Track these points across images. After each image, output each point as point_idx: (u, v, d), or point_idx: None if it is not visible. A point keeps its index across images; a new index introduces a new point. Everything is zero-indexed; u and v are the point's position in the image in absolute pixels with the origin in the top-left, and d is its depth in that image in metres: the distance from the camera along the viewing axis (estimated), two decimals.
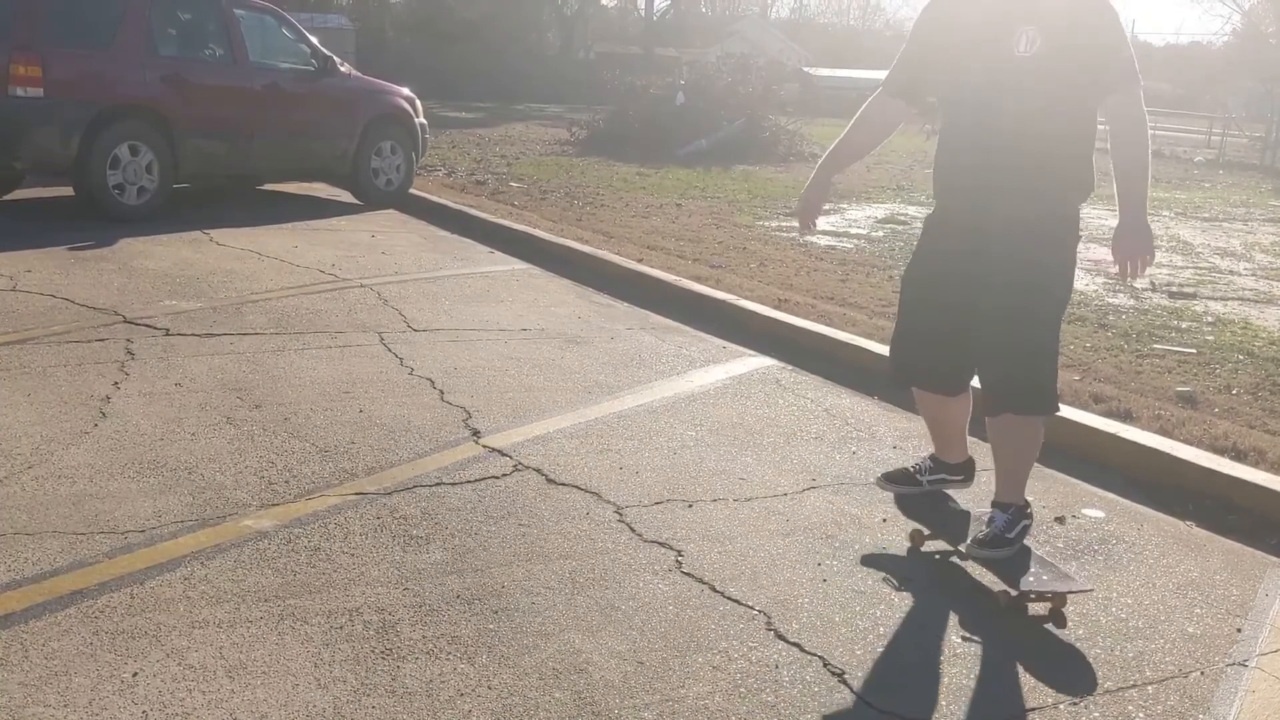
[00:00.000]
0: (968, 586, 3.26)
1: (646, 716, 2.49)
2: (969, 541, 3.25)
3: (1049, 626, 3.02)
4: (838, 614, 3.04)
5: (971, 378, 3.39)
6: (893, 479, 3.65)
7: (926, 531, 3.46)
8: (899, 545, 3.49)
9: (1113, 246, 3.04)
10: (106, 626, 2.71)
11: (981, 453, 3.59)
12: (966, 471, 3.61)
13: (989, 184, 3.12)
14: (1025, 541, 3.26)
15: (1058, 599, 3.05)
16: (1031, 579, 3.08)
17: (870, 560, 3.37)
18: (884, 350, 5.55)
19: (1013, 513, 3.24)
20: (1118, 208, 3.05)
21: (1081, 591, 3.13)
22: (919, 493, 3.60)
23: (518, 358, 5.33)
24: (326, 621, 2.80)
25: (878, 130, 3.48)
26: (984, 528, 3.25)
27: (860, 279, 7.46)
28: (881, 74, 3.53)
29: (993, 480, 3.39)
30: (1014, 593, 3.06)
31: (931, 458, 3.62)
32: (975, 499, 3.67)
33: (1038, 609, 3.08)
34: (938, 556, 3.43)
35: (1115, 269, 3.08)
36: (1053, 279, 3.13)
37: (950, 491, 3.63)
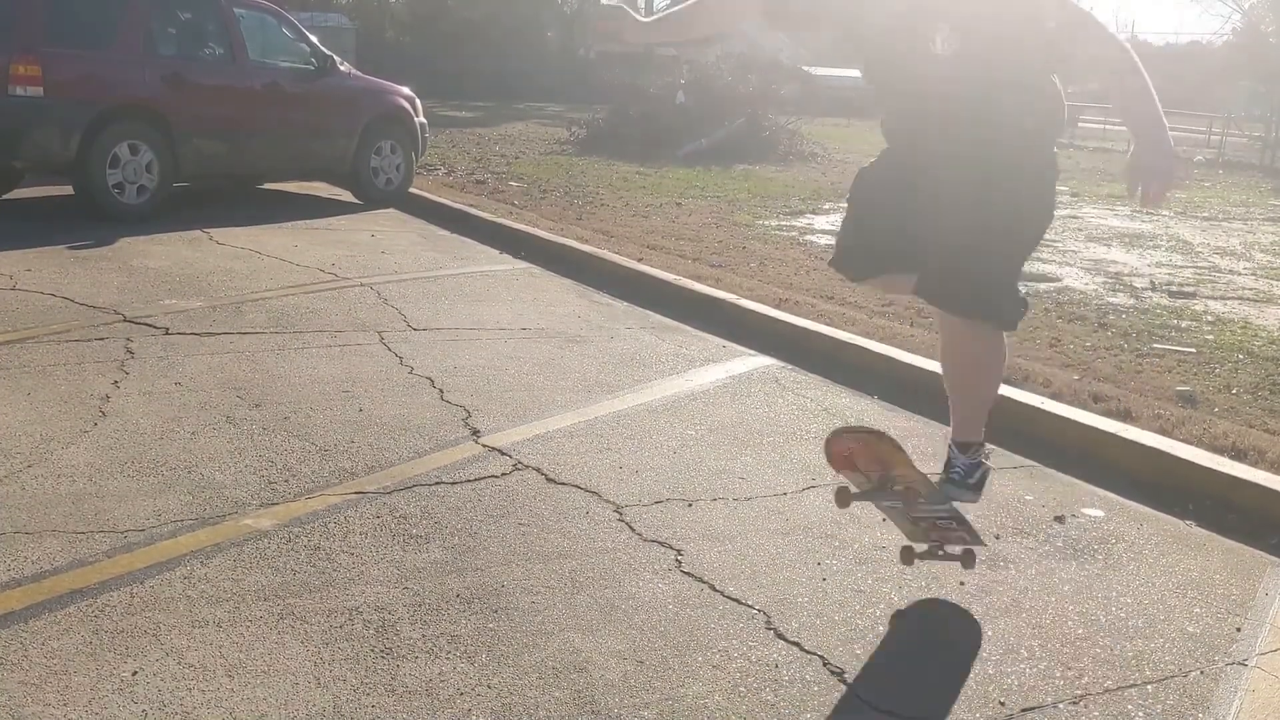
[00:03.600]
0: (969, 587, 3.25)
1: (646, 716, 2.49)
2: (939, 484, 3.04)
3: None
4: (837, 613, 3.03)
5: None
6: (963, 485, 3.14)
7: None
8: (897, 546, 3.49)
9: (1128, 172, 2.65)
10: (106, 625, 2.71)
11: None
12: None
13: (946, 160, 2.83)
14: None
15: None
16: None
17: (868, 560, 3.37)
18: (884, 350, 5.57)
19: (972, 453, 3.04)
20: (1149, 143, 2.65)
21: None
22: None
23: (517, 357, 5.33)
24: (326, 620, 2.80)
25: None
26: (953, 470, 3.05)
27: None
28: None
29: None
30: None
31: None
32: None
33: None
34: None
35: (1135, 197, 2.69)
36: (1020, 180, 2.79)
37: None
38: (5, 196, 9.15)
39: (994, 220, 2.80)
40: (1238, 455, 4.16)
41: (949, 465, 3.13)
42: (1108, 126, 31.19)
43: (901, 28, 2.75)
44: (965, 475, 3.09)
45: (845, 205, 3.20)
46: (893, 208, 2.98)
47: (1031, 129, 2.84)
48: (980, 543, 3.14)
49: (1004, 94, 2.75)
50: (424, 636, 2.75)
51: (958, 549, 3.11)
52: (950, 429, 3.18)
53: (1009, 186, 2.79)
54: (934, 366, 5.24)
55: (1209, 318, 6.77)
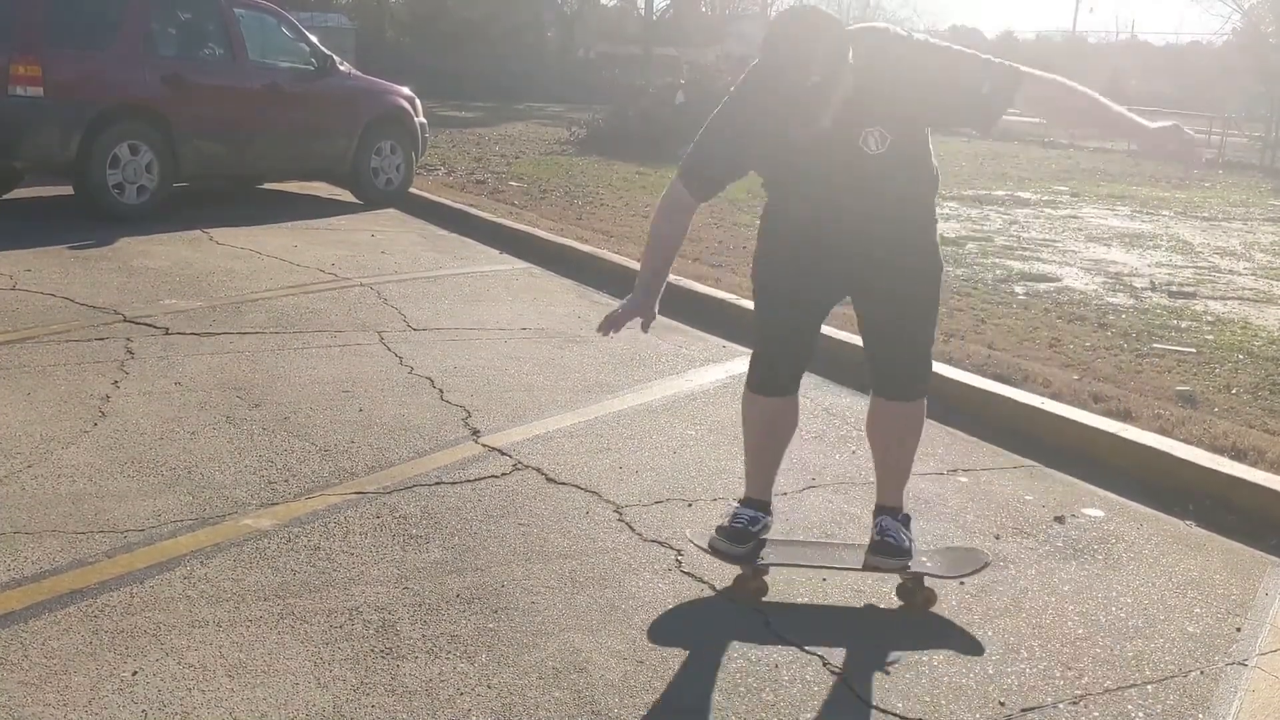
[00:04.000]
0: (969, 587, 3.25)
1: (646, 716, 2.49)
2: (866, 554, 3.11)
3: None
4: (837, 613, 3.04)
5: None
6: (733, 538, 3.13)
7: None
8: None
9: (1153, 153, 2.94)
10: (106, 625, 2.71)
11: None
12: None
13: (846, 237, 2.99)
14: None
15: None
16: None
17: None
18: None
19: (902, 518, 3.16)
20: (1127, 134, 2.94)
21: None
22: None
23: (517, 357, 5.33)
24: (326, 620, 2.80)
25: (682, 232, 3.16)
26: (876, 535, 3.12)
27: None
28: None
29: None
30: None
31: (751, 502, 3.24)
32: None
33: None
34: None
35: (1191, 163, 2.94)
36: (936, 263, 3.07)
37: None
38: (5, 196, 9.15)
39: (929, 316, 3.14)
40: (1238, 455, 4.16)
41: (883, 531, 3.12)
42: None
43: (830, 135, 2.80)
44: (899, 538, 3.11)
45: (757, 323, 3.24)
46: (803, 332, 3.16)
47: (932, 221, 3.09)
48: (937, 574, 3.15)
49: (920, 187, 3.00)
50: (424, 636, 2.75)
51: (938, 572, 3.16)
52: (879, 495, 3.24)
53: (934, 284, 3.10)
54: (934, 366, 5.25)
55: (1209, 318, 6.77)
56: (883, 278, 3.02)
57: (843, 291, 3.13)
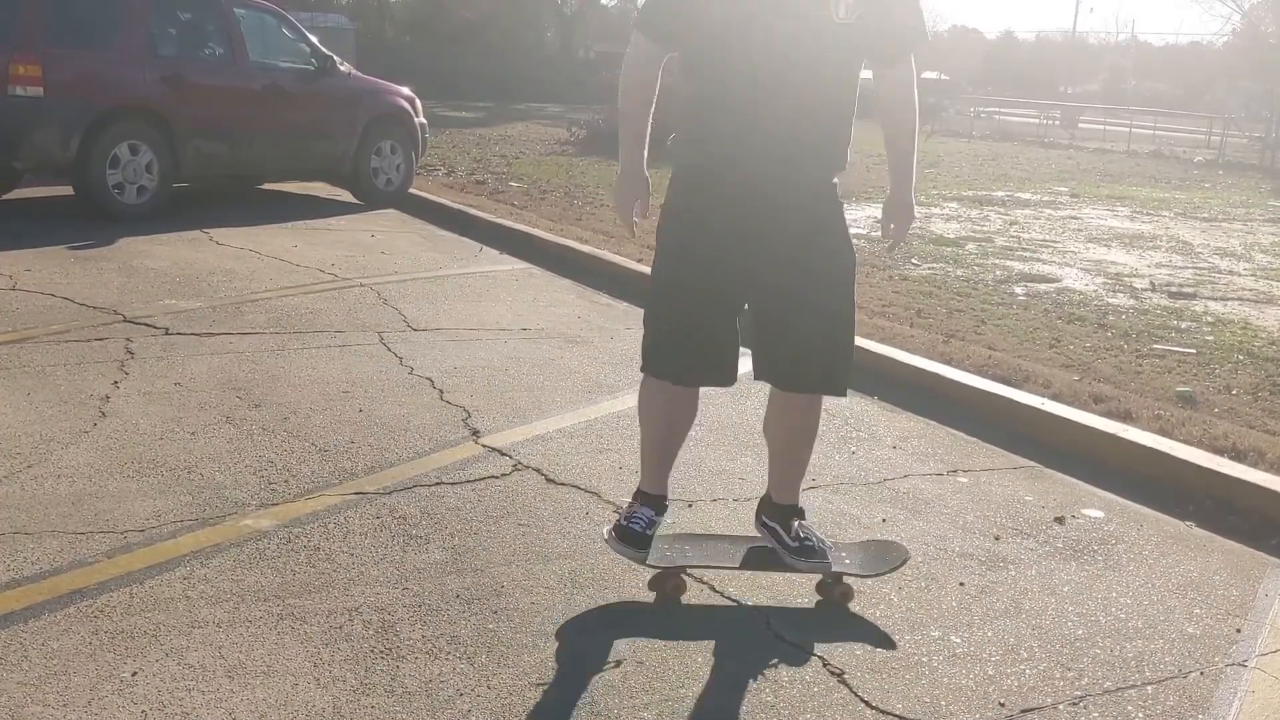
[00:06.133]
0: (969, 588, 3.25)
1: (646, 716, 2.49)
2: (787, 557, 3.09)
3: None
4: (838, 614, 3.03)
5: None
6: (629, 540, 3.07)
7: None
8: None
9: (884, 219, 3.09)
10: (106, 626, 2.71)
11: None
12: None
13: (774, 148, 2.82)
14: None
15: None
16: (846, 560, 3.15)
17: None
18: (884, 350, 5.56)
19: (801, 513, 3.16)
20: (891, 178, 3.04)
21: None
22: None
23: (517, 357, 5.33)
24: (326, 621, 2.80)
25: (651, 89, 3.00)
26: (791, 539, 3.09)
27: (860, 278, 7.44)
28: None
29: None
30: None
31: (649, 499, 3.16)
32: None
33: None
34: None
35: (886, 241, 3.16)
36: (847, 246, 3.00)
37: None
38: (5, 196, 9.14)
39: (847, 290, 3.02)
40: (1238, 456, 4.16)
41: (794, 536, 3.11)
42: (1108, 127, 31.26)
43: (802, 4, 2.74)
44: (814, 537, 3.12)
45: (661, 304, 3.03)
46: (728, 311, 2.98)
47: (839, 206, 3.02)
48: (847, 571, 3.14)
49: (860, 58, 2.88)
50: (424, 637, 2.75)
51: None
52: (776, 492, 3.20)
53: (846, 266, 3.03)
54: (934, 367, 5.27)
55: (1209, 318, 6.77)
56: (793, 242, 2.88)
57: (753, 256, 2.90)
